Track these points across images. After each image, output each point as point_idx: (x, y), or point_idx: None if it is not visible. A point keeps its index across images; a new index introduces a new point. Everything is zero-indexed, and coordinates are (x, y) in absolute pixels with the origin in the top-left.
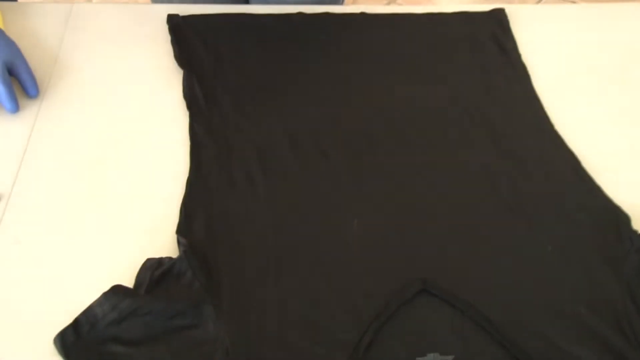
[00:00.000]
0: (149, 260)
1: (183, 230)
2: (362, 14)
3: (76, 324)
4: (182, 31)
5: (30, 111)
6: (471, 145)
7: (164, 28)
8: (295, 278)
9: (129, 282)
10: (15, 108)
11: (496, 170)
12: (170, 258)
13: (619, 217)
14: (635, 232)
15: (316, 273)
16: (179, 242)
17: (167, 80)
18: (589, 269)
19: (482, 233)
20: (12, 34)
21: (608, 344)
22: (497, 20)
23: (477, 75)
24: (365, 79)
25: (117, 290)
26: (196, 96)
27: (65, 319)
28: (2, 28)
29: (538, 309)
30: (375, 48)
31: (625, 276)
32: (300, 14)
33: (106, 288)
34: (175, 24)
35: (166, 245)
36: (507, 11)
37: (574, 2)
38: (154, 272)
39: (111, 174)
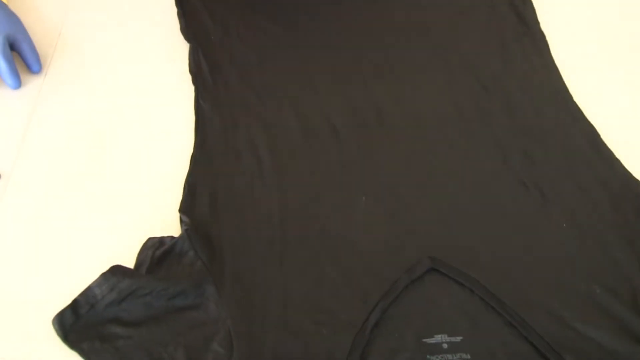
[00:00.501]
0: (150, 239)
1: (186, 208)
2: None
3: (75, 305)
4: (189, 3)
5: (33, 87)
6: (485, 118)
7: (170, 1)
8: (301, 257)
9: (130, 262)
10: (17, 84)
11: (510, 144)
12: (172, 237)
13: (638, 191)
14: None
15: (322, 252)
16: (181, 221)
17: (173, 54)
18: (605, 246)
19: (493, 210)
20: (15, 8)
21: (622, 324)
22: None
23: (494, 44)
24: (378, 51)
25: (116, 271)
26: (202, 70)
27: (65, 300)
28: (5, 1)
29: (551, 288)
30: (389, 17)
31: None
32: None
33: (107, 268)
34: None
35: (169, 224)
36: None
37: None
38: (155, 251)
39: (114, 152)
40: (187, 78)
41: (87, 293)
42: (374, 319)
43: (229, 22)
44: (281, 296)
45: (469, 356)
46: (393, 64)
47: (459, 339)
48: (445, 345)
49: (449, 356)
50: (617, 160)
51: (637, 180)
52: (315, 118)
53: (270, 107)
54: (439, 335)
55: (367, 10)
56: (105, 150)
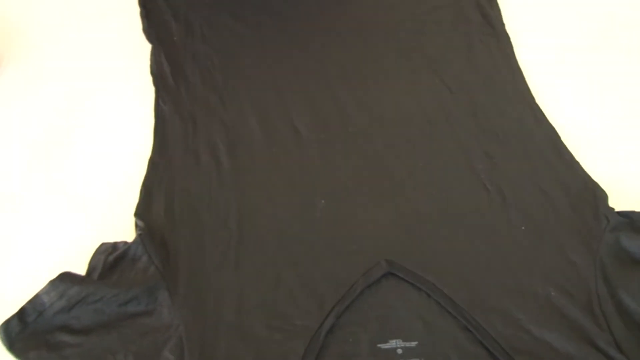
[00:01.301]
0: (103, 244)
1: (142, 212)
2: None
3: (22, 313)
4: (152, 3)
5: None
6: (449, 120)
7: (133, 1)
8: (257, 261)
9: (82, 267)
10: None
11: (473, 145)
12: (125, 242)
13: (597, 194)
14: (611, 209)
15: (279, 256)
16: (136, 225)
17: (135, 55)
18: (563, 249)
19: (453, 213)
20: None
21: (577, 327)
22: None
23: (459, 45)
24: (343, 52)
25: (65, 278)
26: (164, 72)
27: (12, 309)
28: None
29: (507, 291)
30: (354, 18)
31: (599, 255)
32: None
33: (57, 275)
34: None
35: (124, 229)
36: None
37: None
38: (108, 256)
39: (70, 154)
40: (149, 79)
41: (34, 300)
42: (329, 324)
43: (193, 23)
44: (235, 301)
45: None
46: (358, 65)
47: (413, 344)
48: (399, 351)
49: None
50: (577, 163)
51: (595, 183)
52: (277, 120)
53: (231, 109)
54: (394, 341)
55: (332, 11)
56: (61, 153)
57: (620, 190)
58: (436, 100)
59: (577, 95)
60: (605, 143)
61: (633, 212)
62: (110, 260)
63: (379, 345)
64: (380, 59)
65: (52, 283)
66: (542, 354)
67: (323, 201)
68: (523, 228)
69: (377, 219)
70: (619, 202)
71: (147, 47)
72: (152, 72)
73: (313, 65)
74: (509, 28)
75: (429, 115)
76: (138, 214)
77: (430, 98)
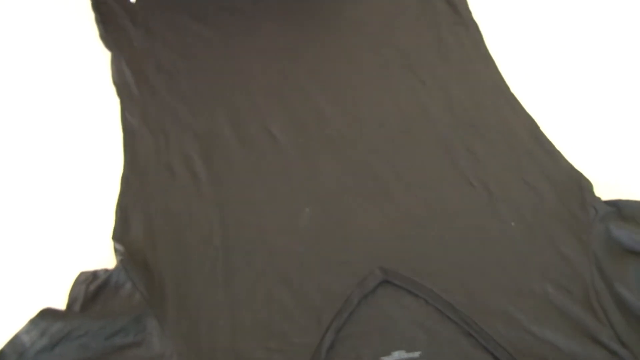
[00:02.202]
0: (82, 273)
1: (119, 234)
2: None
3: (0, 356)
4: (107, 7)
5: None
6: (426, 115)
7: (87, 5)
8: (247, 278)
9: (61, 300)
10: None
11: (453, 141)
12: (106, 270)
13: (582, 184)
14: (598, 199)
15: (269, 271)
16: (115, 250)
17: (94, 65)
18: (554, 243)
19: (443, 213)
20: None
21: (578, 324)
22: None
23: (429, 37)
24: (312, 49)
25: (45, 314)
26: (126, 81)
27: None
28: None
29: (505, 291)
30: (320, 13)
31: (592, 247)
32: None
33: (35, 310)
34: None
35: (103, 255)
36: None
37: None
38: (89, 286)
39: (36, 176)
40: (112, 90)
41: (14, 341)
42: (329, 341)
43: (152, 27)
44: (229, 323)
45: None
46: (328, 63)
47: (417, 354)
48: None
49: None
50: (559, 153)
51: (579, 172)
52: (252, 126)
53: (202, 117)
54: (397, 352)
55: (297, 8)
56: (26, 175)
57: (602, 179)
58: (411, 95)
59: (548, 84)
60: (582, 131)
61: (619, 201)
62: (92, 289)
63: (382, 358)
64: (350, 55)
65: (32, 321)
66: (546, 354)
67: (308, 209)
68: (513, 224)
69: (366, 225)
70: (602, 191)
71: (106, 54)
72: (115, 82)
73: (282, 66)
74: (476, 16)
75: (405, 112)
76: (116, 237)
77: (405, 94)
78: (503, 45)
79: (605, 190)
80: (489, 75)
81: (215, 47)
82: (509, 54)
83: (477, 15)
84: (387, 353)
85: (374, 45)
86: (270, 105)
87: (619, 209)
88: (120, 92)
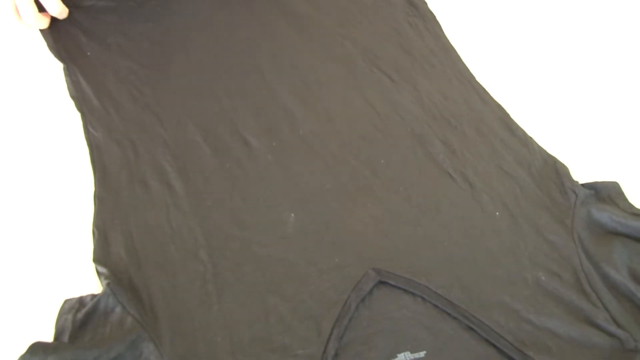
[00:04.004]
0: (67, 301)
1: (100, 256)
2: None
3: None
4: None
5: None
6: (397, 109)
7: None
8: (239, 292)
9: (46, 332)
10: None
11: (427, 134)
12: (92, 295)
13: (558, 169)
14: (576, 183)
15: (260, 282)
16: (98, 273)
17: (46, 79)
18: (539, 229)
19: (427, 208)
20: None
21: (573, 309)
22: None
23: (387, 29)
24: (275, 47)
25: (36, 349)
26: (85, 93)
27: None
28: None
29: (499, 282)
30: (273, 8)
31: (576, 231)
32: None
33: (20, 347)
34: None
35: (86, 279)
36: None
37: None
38: (76, 314)
39: (2, 207)
40: (70, 104)
41: None
42: (333, 350)
43: (104, 33)
44: (228, 340)
45: None
46: (293, 61)
47: (422, 354)
48: None
49: None
50: (531, 139)
51: (553, 157)
52: (223, 132)
53: (170, 126)
54: (402, 354)
55: (257, 5)
56: None
57: (574, 162)
58: (379, 91)
59: (511, 71)
60: (549, 117)
61: (596, 183)
62: (80, 317)
63: None
64: (313, 52)
65: (23, 358)
66: (547, 342)
67: (292, 215)
68: (497, 214)
69: (352, 226)
70: (576, 174)
71: (58, 66)
72: (72, 95)
73: (246, 66)
74: (431, 7)
75: (376, 108)
76: (97, 259)
77: (373, 89)
78: (461, 35)
79: (578, 172)
80: (453, 66)
81: (175, 50)
82: (468, 43)
83: (432, 6)
84: (393, 356)
85: (334, 41)
86: (237, 109)
87: (597, 191)
88: (80, 106)
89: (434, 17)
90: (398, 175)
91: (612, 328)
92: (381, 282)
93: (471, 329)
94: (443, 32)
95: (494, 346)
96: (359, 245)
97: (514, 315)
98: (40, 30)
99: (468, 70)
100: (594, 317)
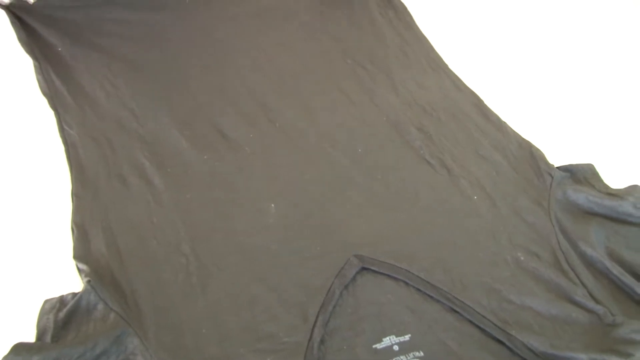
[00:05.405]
0: (47, 301)
1: (80, 253)
2: None
3: None
4: (22, 10)
5: None
6: (373, 99)
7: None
8: (223, 282)
9: (28, 333)
10: None
11: (404, 121)
12: (73, 293)
13: (533, 152)
14: (552, 166)
15: (244, 272)
16: (79, 270)
17: (17, 76)
18: (517, 211)
19: (407, 194)
20: None
21: (553, 287)
22: None
23: (360, 20)
24: (249, 39)
25: (19, 350)
26: (58, 90)
27: None
28: None
29: (480, 264)
30: (251, 4)
31: (553, 212)
32: None
33: (2, 347)
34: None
35: (66, 277)
36: None
37: None
38: (58, 313)
39: None
40: (43, 102)
41: None
42: (319, 336)
43: (75, 28)
44: (214, 330)
45: (421, 353)
46: (267, 52)
47: (407, 337)
48: (396, 347)
49: (402, 358)
50: (505, 124)
51: (528, 141)
52: (199, 125)
53: (146, 121)
54: (387, 338)
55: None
56: None
57: (548, 145)
58: (354, 81)
59: (482, 58)
60: (522, 102)
61: (571, 165)
62: (62, 317)
63: (374, 346)
64: (287, 44)
65: (6, 359)
66: (528, 320)
67: (273, 205)
68: (475, 197)
69: (333, 214)
70: (551, 157)
71: (27, 62)
72: (45, 93)
73: (221, 58)
74: None
75: (352, 98)
76: (77, 256)
77: (348, 79)
78: (433, 25)
79: (553, 156)
80: (426, 55)
81: (147, 43)
82: (439, 33)
83: None
84: (379, 340)
85: (308, 33)
86: (214, 102)
87: (572, 173)
88: (54, 104)
89: (405, 8)
90: (376, 163)
91: (591, 304)
92: (364, 269)
93: (454, 310)
94: (415, 23)
95: (478, 326)
96: (340, 233)
97: (495, 295)
98: (12, 24)
99: (441, 58)
100: (573, 293)
